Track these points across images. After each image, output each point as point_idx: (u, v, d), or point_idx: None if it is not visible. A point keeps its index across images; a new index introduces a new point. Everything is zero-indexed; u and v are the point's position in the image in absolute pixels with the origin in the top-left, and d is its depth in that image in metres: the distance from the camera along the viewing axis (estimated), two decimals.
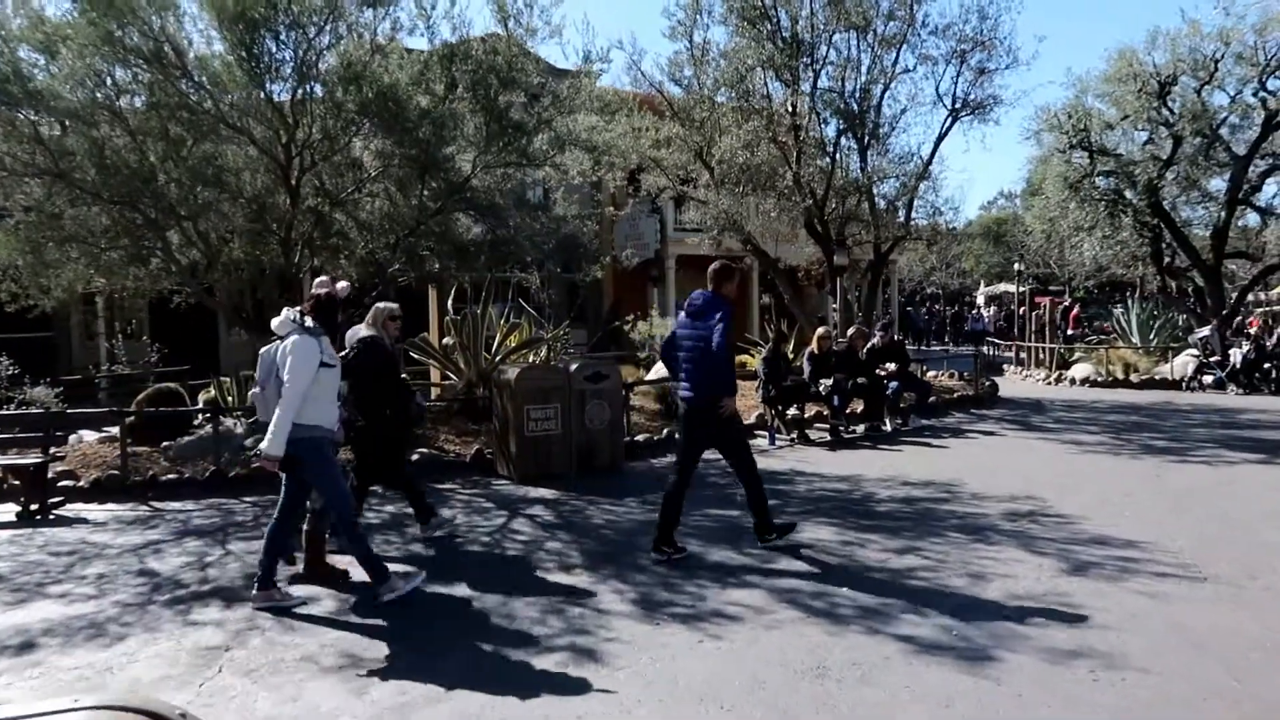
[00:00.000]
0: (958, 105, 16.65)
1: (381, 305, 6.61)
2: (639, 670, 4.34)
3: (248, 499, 8.34)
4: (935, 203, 17.72)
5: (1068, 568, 5.88)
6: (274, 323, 5.30)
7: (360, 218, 12.40)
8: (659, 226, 24.28)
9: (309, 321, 5.27)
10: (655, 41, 51.47)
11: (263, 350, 5.42)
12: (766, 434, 11.32)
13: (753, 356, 14.43)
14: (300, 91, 11.48)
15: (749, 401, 12.71)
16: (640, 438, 10.61)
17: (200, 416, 10.37)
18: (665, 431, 10.94)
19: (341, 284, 5.96)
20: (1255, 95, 19.44)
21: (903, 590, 5.44)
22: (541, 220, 14.13)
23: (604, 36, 54.40)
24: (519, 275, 15.50)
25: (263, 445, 5.05)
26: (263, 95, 11.25)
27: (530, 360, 11.76)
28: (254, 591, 5.31)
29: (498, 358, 11.38)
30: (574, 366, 9.51)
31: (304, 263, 12.53)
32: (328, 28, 11.37)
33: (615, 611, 5.16)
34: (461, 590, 5.58)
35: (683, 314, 6.12)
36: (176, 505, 8.17)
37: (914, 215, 17.48)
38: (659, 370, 13.62)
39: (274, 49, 11.28)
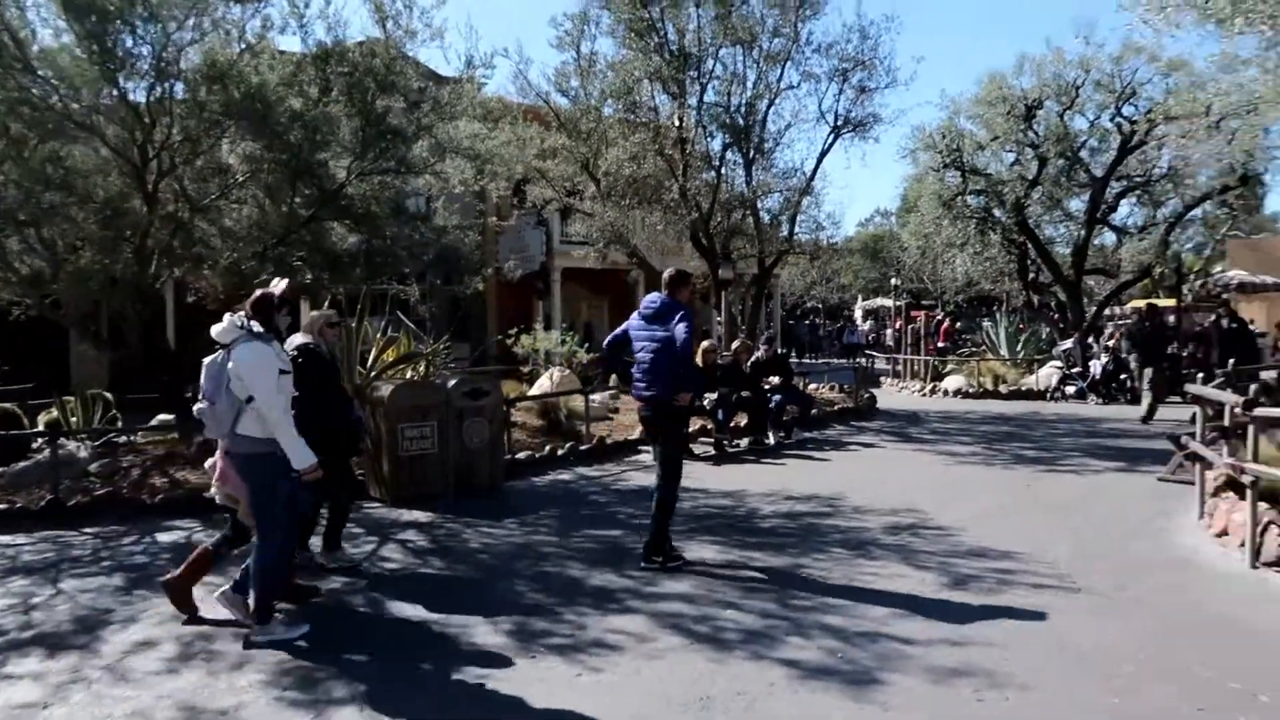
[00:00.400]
0: (839, 122, 16.97)
1: (318, 312, 6.40)
2: (513, 710, 4.06)
3: (87, 530, 7.62)
4: (818, 218, 18.04)
5: (949, 581, 5.88)
6: (215, 329, 4.89)
7: (225, 225, 11.70)
8: (545, 239, 23.97)
9: (257, 326, 4.89)
10: (542, 51, 51.14)
11: (207, 360, 4.97)
12: (650, 449, 11.14)
13: None
14: (160, 90, 10.77)
15: (634, 415, 12.56)
16: (522, 455, 10.28)
17: (39, 440, 9.50)
18: (548, 449, 10.64)
19: (281, 282, 5.44)
20: (1112, 120, 20.58)
21: (787, 611, 5.32)
22: (421, 230, 13.66)
23: (490, 43, 53.73)
24: (397, 287, 14.97)
25: (294, 465, 4.78)
26: (116, 93, 10.49)
27: (408, 376, 11.29)
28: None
29: (373, 374, 10.87)
30: (452, 382, 9.14)
31: (161, 273, 11.74)
32: (190, 22, 10.69)
33: (489, 644, 4.86)
34: (318, 629, 5.16)
35: (636, 317, 6.32)
36: (5, 539, 7.40)
37: (797, 230, 17.73)
38: (543, 385, 13.34)
39: (130, 43, 10.55)
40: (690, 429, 11.49)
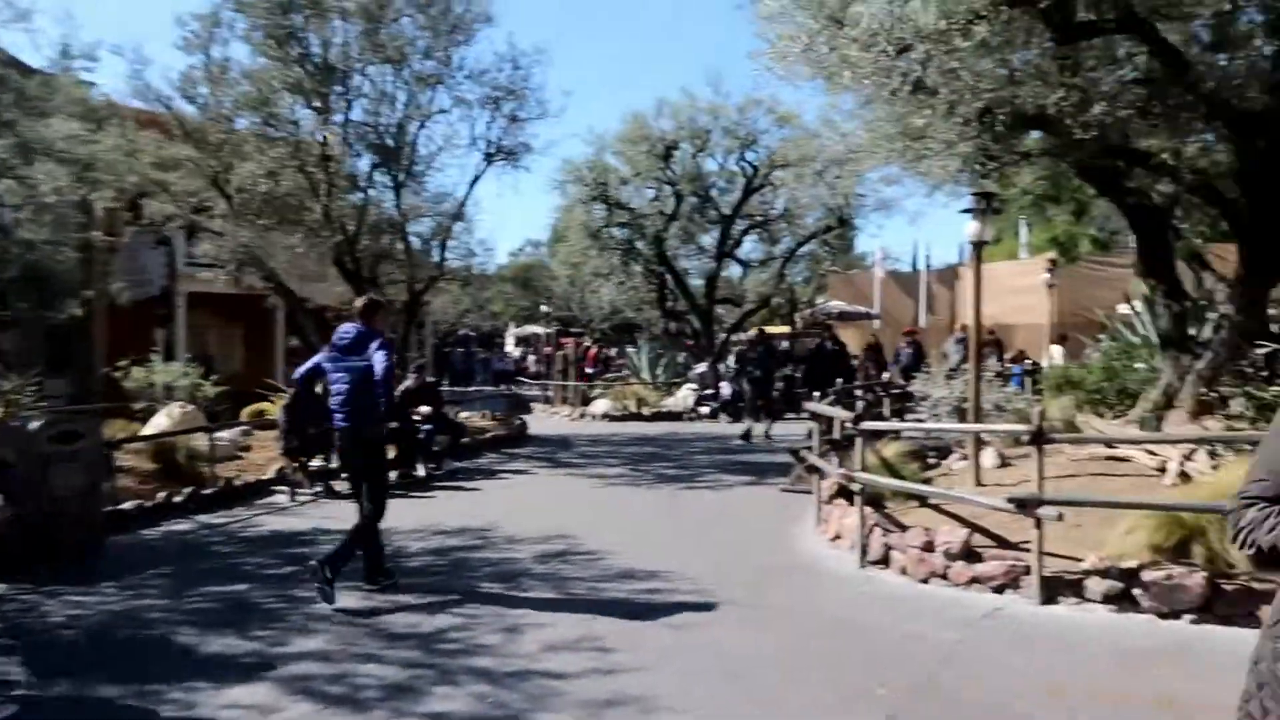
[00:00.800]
0: (492, 150, 16.93)
1: None
2: None
3: None
4: (470, 244, 17.92)
5: (599, 607, 5.86)
6: None
7: None
8: (167, 259, 21.47)
9: None
10: (166, 52, 46.24)
11: None
12: (287, 490, 10.23)
13: (273, 404, 13.14)
14: None
15: (268, 453, 11.50)
16: (129, 506, 8.84)
17: None
18: (163, 496, 9.31)
19: None
20: (738, 164, 22.72)
21: (434, 657, 4.97)
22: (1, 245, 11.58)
23: (97, 35, 47.67)
24: None
25: None
26: None
27: None
28: None
29: None
30: (35, 425, 7.68)
31: None
32: None
33: None
34: None
35: (330, 348, 6.31)
36: None
37: (449, 256, 17.45)
38: (160, 423, 11.78)
39: None
40: (331, 465, 10.69)
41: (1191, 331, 9.55)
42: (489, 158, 16.92)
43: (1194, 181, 8.69)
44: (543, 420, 19.94)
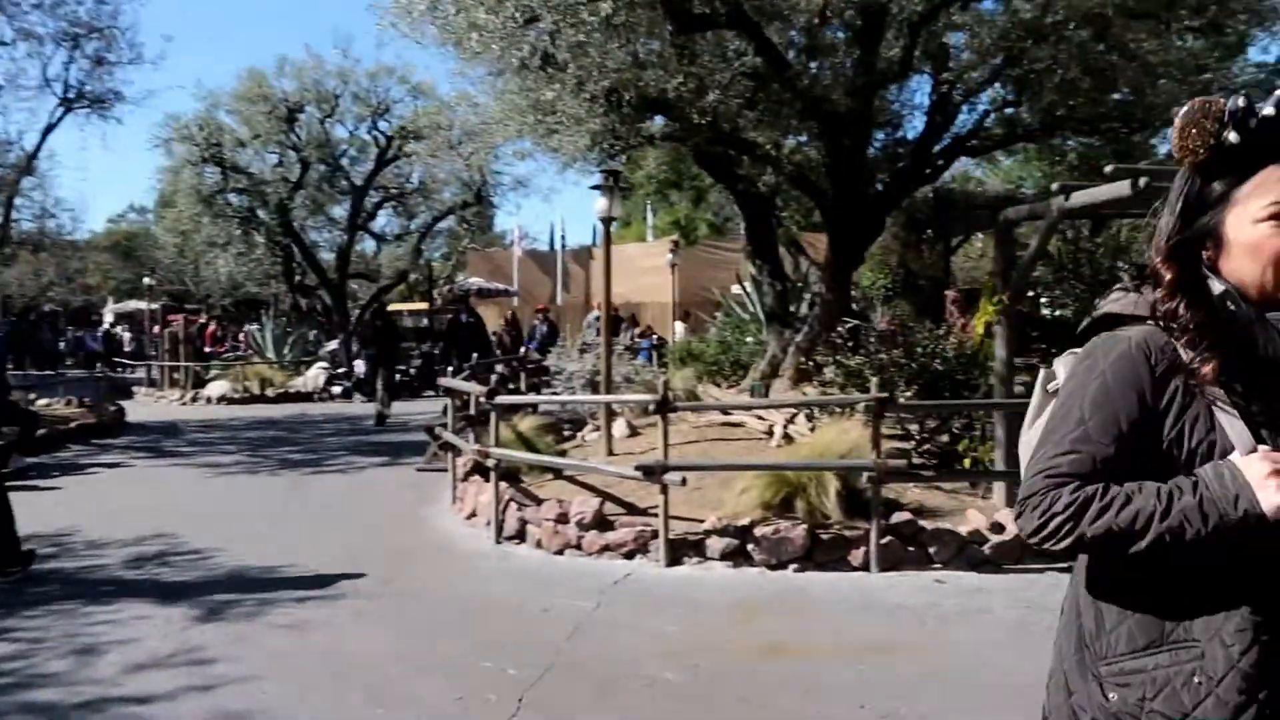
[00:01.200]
0: (70, 95, 14.65)
1: None
2: None
3: None
4: (45, 204, 15.42)
5: (202, 614, 5.15)
6: None
7: None
8: None
9: None
10: None
11: None
12: None
13: None
14: None
15: None
16: None
17: None
18: None
19: None
20: (369, 133, 21.62)
21: None
22: None
23: None
24: None
25: None
26: None
27: None
28: None
29: None
30: None
31: None
32: None
33: None
34: None
35: None
36: None
37: (16, 217, 14.85)
38: None
39: None
40: None
41: (792, 308, 10.62)
42: (67, 103, 14.65)
43: (792, 173, 9.61)
44: (147, 406, 17.76)
